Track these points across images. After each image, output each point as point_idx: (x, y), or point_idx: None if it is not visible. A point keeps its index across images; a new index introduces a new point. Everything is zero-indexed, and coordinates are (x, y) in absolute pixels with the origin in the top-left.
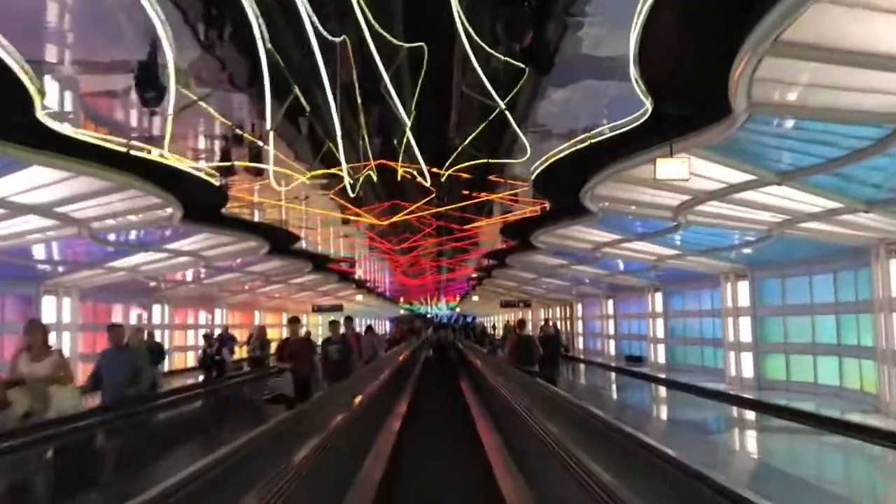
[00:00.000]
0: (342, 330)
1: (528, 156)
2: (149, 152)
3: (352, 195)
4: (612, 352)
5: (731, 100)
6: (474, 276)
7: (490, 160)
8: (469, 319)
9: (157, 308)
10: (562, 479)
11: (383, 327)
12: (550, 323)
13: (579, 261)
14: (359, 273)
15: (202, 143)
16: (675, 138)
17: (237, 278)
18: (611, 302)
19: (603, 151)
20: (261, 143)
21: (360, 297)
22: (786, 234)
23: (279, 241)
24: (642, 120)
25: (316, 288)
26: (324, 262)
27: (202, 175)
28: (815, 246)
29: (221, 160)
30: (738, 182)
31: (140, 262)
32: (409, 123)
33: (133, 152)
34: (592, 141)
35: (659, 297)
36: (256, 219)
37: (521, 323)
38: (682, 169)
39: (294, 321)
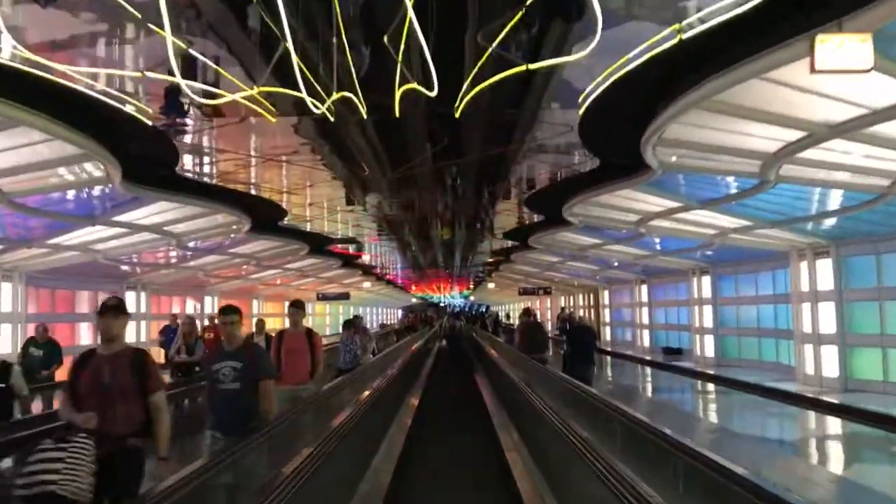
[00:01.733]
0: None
1: (595, 44)
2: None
3: (315, 113)
4: (647, 343)
5: None
6: (490, 260)
7: (531, 66)
8: (484, 308)
9: (130, 295)
10: None
11: (394, 317)
12: (568, 311)
13: (615, 239)
14: (366, 258)
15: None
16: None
17: (223, 261)
18: (644, 287)
19: (699, 53)
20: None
21: (367, 285)
22: None
23: (264, 215)
24: None
25: (318, 274)
26: (323, 243)
27: (132, 112)
28: None
29: (168, 104)
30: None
31: (91, 238)
32: None
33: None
34: (684, 37)
35: (706, 280)
36: (245, 189)
37: (527, 311)
38: (860, 52)
39: (109, 310)
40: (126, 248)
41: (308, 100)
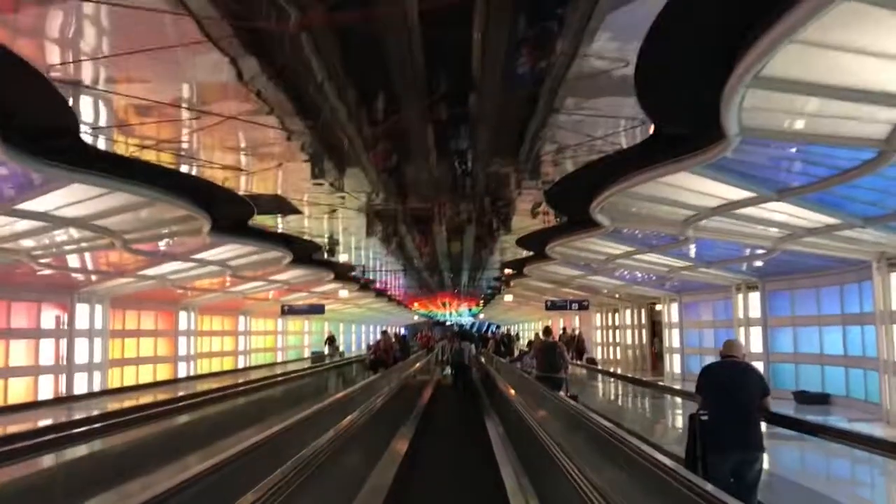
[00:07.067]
0: None
1: None
2: None
3: None
4: None
5: None
6: (508, 264)
7: None
8: (494, 328)
9: None
10: None
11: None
12: (572, 331)
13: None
14: (342, 257)
15: None
16: None
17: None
18: (756, 296)
19: None
20: None
21: (344, 293)
22: None
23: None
24: None
25: (268, 276)
26: (243, 215)
27: None
28: None
29: None
30: None
31: None
32: None
33: None
34: None
35: None
36: None
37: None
38: None
39: None
40: None
41: None
